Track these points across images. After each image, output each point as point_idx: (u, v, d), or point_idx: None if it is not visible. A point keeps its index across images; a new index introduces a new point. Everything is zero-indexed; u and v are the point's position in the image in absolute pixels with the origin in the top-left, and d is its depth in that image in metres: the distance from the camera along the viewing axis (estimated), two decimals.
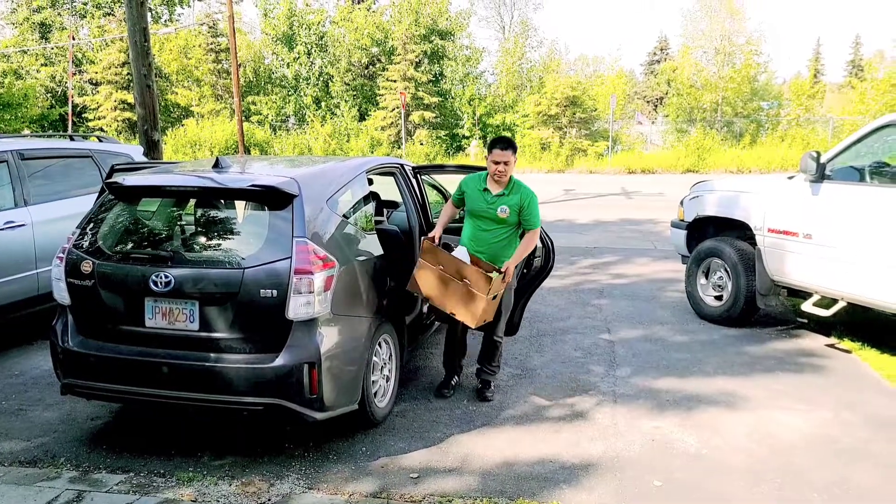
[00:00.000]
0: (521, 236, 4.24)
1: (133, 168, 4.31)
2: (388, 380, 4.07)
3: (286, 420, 3.68)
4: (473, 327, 3.97)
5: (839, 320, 5.43)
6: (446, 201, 6.19)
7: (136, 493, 3.20)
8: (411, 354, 4.60)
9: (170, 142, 25.46)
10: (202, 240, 3.64)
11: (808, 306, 5.28)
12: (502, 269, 3.96)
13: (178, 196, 3.76)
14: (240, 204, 3.72)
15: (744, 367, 4.83)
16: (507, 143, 4.09)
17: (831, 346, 5.29)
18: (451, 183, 6.24)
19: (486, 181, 4.14)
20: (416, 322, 4.65)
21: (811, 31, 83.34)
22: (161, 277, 3.29)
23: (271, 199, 3.41)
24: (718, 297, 5.95)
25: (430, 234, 4.15)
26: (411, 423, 3.98)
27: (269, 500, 3.15)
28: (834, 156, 5.15)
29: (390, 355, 4.10)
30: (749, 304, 5.64)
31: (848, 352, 5.15)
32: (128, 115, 27.55)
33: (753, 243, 5.62)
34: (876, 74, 25.19)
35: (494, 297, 3.97)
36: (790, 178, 5.51)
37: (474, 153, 25.55)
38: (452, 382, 4.48)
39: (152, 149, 9.19)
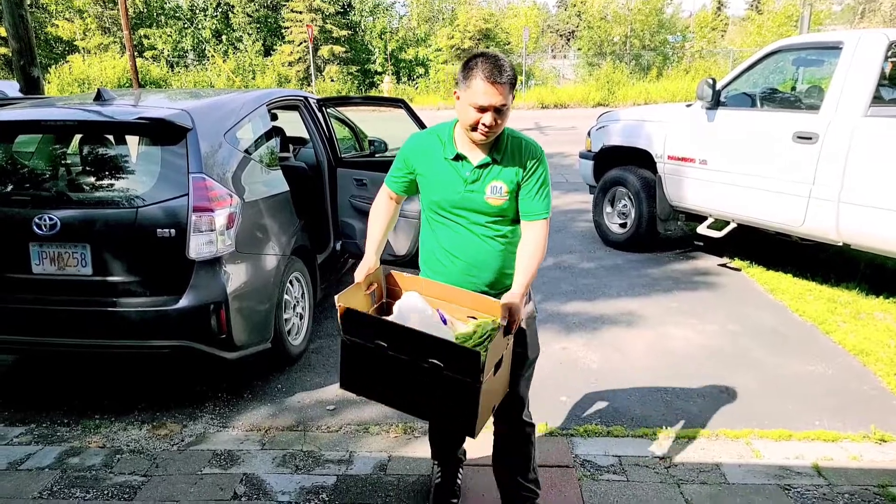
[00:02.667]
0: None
1: (7, 103, 3.95)
2: (301, 318, 4.04)
3: (197, 362, 3.61)
4: (474, 437, 2.06)
5: (731, 241, 5.80)
6: (355, 138, 6.05)
7: (38, 444, 3.08)
8: (326, 292, 4.57)
9: (54, 80, 23.40)
10: (90, 179, 3.41)
11: (702, 229, 5.61)
12: (503, 317, 2.02)
13: (59, 132, 3.49)
14: (132, 140, 3.50)
15: (644, 289, 5.11)
16: (499, 70, 2.01)
17: (723, 265, 5.67)
18: (363, 121, 6.10)
19: (454, 141, 2.18)
20: (329, 260, 4.61)
21: None
22: (45, 220, 3.08)
23: (162, 132, 3.22)
24: (623, 225, 6.21)
25: (361, 268, 2.26)
26: (327, 358, 4.00)
27: (183, 440, 3.12)
28: (728, 82, 5.38)
29: (303, 293, 4.06)
30: (650, 229, 5.93)
31: (738, 270, 5.54)
32: (2, 50, 25.01)
33: (655, 171, 5.86)
34: (773, 7, 26.25)
35: (497, 369, 2.06)
36: (688, 105, 5.73)
37: (387, 89, 24.99)
38: (458, 484, 2.66)
39: (32, 87, 8.41)
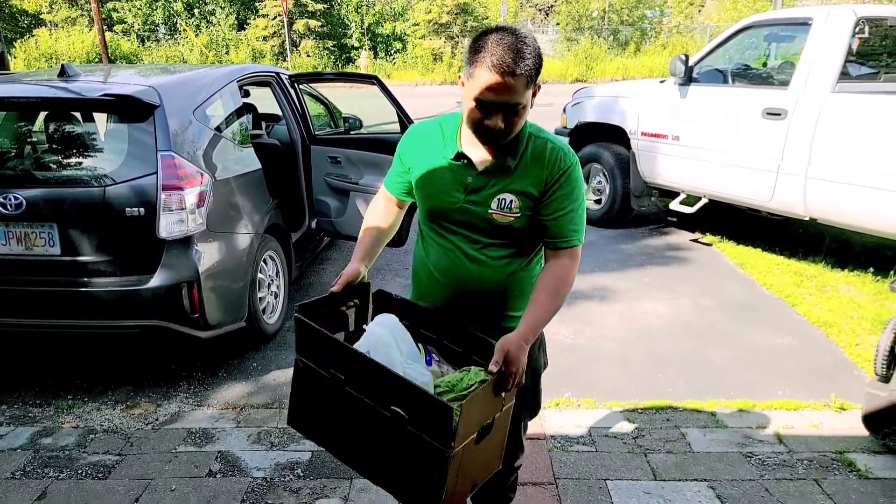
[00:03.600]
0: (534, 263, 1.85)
1: None
2: (276, 296, 4.03)
3: (170, 341, 3.60)
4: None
5: (702, 217, 5.88)
6: (330, 115, 5.99)
7: (10, 425, 3.06)
8: (301, 270, 4.56)
9: (20, 55, 22.74)
10: (56, 157, 3.35)
11: (675, 204, 5.68)
12: (496, 362, 1.53)
13: (22, 109, 3.41)
14: (99, 117, 3.44)
15: (617, 264, 5.18)
16: (514, 57, 1.51)
17: (695, 240, 5.75)
18: (340, 98, 6.02)
19: (458, 137, 1.75)
20: (304, 238, 4.59)
21: None
22: (10, 199, 3.02)
23: (129, 110, 3.16)
24: (598, 201, 6.26)
25: (341, 277, 1.77)
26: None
27: (157, 419, 3.12)
28: (701, 58, 5.41)
29: (277, 272, 4.05)
30: (624, 205, 5.99)
31: (709, 245, 5.63)
32: None
33: (629, 147, 5.90)
34: None
35: (484, 437, 1.57)
36: (662, 82, 5.76)
37: (364, 65, 24.68)
38: None
39: None
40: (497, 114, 1.54)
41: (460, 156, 1.70)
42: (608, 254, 5.44)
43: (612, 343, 3.86)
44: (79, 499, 2.55)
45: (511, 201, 1.66)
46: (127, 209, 3.04)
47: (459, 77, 1.63)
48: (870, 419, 2.77)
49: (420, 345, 1.72)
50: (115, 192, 3.05)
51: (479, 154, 1.69)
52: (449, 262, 1.76)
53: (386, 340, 1.61)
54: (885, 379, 2.69)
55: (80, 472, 2.72)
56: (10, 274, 3.14)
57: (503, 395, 1.54)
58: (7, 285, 3.13)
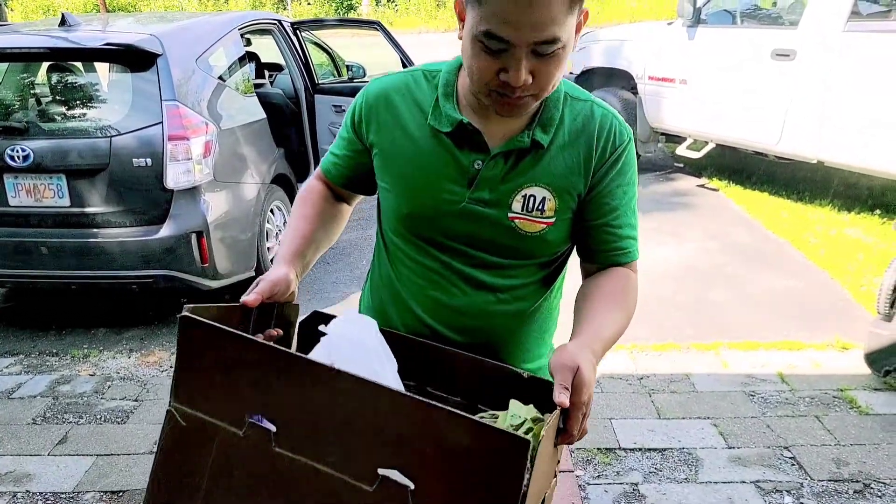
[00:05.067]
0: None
1: None
2: None
3: (180, 291, 3.65)
4: None
5: (709, 162, 5.85)
6: (333, 63, 5.91)
7: (29, 374, 3.15)
8: None
9: (17, 7, 22.34)
10: (61, 108, 3.34)
11: (682, 150, 5.64)
12: (563, 388, 0.89)
13: (24, 60, 3.39)
14: (100, 66, 3.41)
15: None
16: None
17: (702, 186, 5.73)
18: (342, 47, 5.93)
19: (455, 98, 1.11)
20: None
21: None
22: (18, 151, 3.03)
23: (132, 59, 3.13)
24: None
25: (260, 284, 1.06)
26: (311, 285, 4.06)
27: (171, 366, 3.19)
28: None
29: (285, 222, 4.07)
30: None
31: (715, 190, 5.60)
32: None
33: (636, 92, 5.81)
34: None
35: None
36: (669, 24, 5.63)
37: (366, 12, 24.15)
38: None
39: None
40: (521, 60, 0.93)
41: (462, 128, 1.07)
42: None
43: None
44: (99, 443, 2.63)
45: (543, 200, 1.09)
46: (134, 160, 3.04)
47: (457, 4, 1.01)
48: (871, 357, 2.81)
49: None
50: (121, 143, 3.05)
51: (490, 125, 1.08)
52: (438, 293, 1.15)
53: (359, 340, 1.01)
54: (888, 318, 2.72)
55: (98, 417, 2.81)
56: (21, 226, 3.17)
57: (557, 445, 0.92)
58: (19, 237, 3.17)
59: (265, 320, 1.07)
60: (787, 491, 2.23)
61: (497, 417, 0.98)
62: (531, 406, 0.97)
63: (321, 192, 1.29)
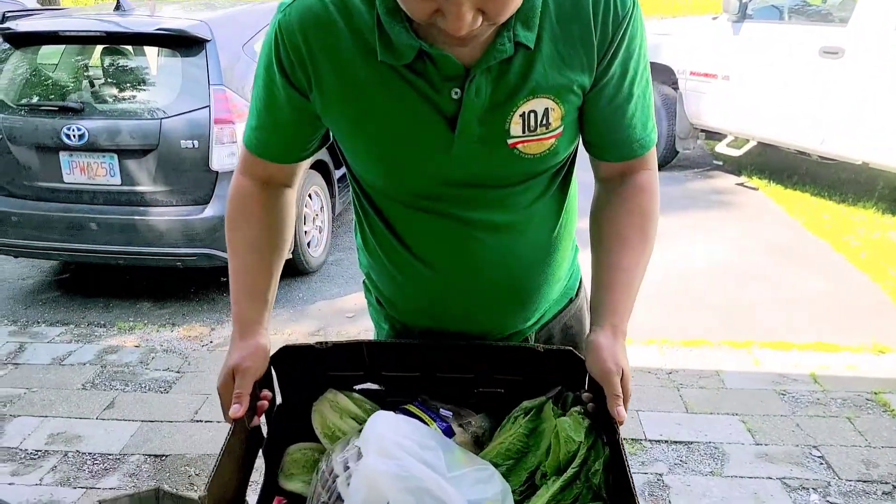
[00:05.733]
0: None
1: (25, 15, 3.97)
2: (320, 231, 4.16)
3: (221, 269, 3.77)
4: None
5: (749, 161, 5.76)
6: None
7: (78, 342, 3.30)
8: (344, 206, 4.67)
9: None
10: (114, 90, 3.48)
11: (721, 147, 5.57)
12: (615, 393, 0.91)
13: (79, 43, 3.53)
14: (150, 51, 3.54)
15: (660, 207, 5.13)
16: None
17: (741, 184, 5.65)
18: None
19: (401, 16, 0.82)
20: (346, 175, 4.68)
21: None
22: (74, 130, 3.18)
23: (182, 44, 3.25)
24: None
25: (238, 407, 0.95)
26: (346, 270, 4.15)
27: (212, 342, 3.32)
28: None
29: (321, 207, 4.16)
30: (669, 148, 5.88)
31: (755, 189, 5.52)
32: None
33: (676, 88, 5.75)
34: None
35: None
36: (714, 18, 5.55)
37: None
38: None
39: None
40: (461, 3, 0.73)
41: (423, 54, 0.85)
42: None
43: (651, 284, 3.84)
44: (143, 409, 2.76)
45: (546, 112, 0.90)
46: (182, 141, 3.16)
47: None
48: None
49: (414, 407, 1.01)
50: (170, 125, 3.17)
51: (456, 45, 0.83)
52: (449, 238, 0.98)
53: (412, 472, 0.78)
54: None
55: (143, 386, 2.94)
56: (74, 202, 3.32)
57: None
58: (72, 213, 3.32)
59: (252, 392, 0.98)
60: (813, 489, 2.23)
61: (535, 419, 0.95)
62: (583, 419, 0.91)
63: (259, 202, 1.04)
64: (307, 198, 3.90)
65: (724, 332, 3.31)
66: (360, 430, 0.90)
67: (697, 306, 3.60)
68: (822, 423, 2.58)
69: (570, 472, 0.85)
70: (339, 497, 0.84)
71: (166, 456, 2.48)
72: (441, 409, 1.01)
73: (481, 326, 1.06)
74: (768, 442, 2.47)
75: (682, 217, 4.91)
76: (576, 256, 1.19)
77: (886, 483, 2.26)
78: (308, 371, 1.06)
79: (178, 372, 3.04)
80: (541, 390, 0.99)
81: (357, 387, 1.07)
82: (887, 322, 3.38)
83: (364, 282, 1.21)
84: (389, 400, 1.05)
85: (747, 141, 5.36)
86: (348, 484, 0.83)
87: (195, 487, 2.29)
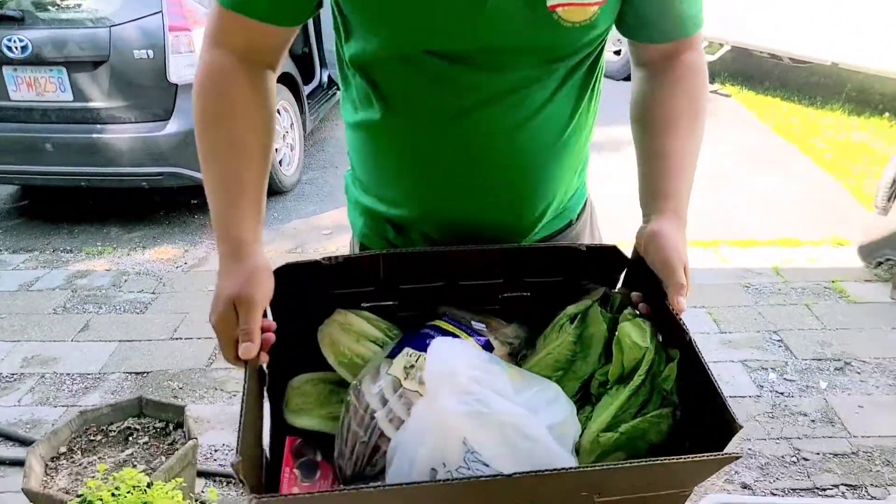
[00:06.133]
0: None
1: None
2: (292, 149, 4.06)
3: (189, 189, 3.69)
4: None
5: (723, 67, 5.71)
6: None
7: (45, 268, 3.24)
8: (315, 124, 4.56)
9: None
10: None
11: None
12: (680, 287, 0.81)
13: None
14: None
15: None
16: None
17: (714, 91, 5.62)
18: None
19: None
20: (317, 91, 4.54)
21: None
22: (15, 42, 3.00)
23: None
24: (617, 52, 6.05)
25: (248, 344, 0.76)
26: (321, 188, 4.09)
27: (186, 262, 3.28)
28: None
29: (291, 123, 4.05)
30: None
31: (727, 96, 5.51)
32: None
33: None
34: None
35: None
36: None
37: None
38: None
39: None
40: None
41: None
42: (624, 105, 5.32)
43: (627, 191, 3.91)
44: (120, 330, 2.75)
45: None
46: (135, 52, 3.01)
47: None
48: (864, 249, 2.88)
49: (445, 323, 0.89)
50: (120, 34, 3.00)
51: None
52: (448, 107, 0.85)
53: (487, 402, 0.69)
54: (884, 211, 2.75)
55: (118, 307, 2.91)
56: (25, 121, 3.18)
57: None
58: (23, 133, 3.18)
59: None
60: (772, 369, 2.36)
61: (579, 324, 0.85)
62: (643, 322, 0.82)
63: (239, 85, 0.86)
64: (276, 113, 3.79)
65: (693, 233, 3.35)
66: (385, 355, 0.82)
67: None
68: (782, 311, 2.69)
69: (636, 379, 0.77)
70: (382, 434, 0.75)
71: (148, 373, 2.48)
72: (473, 323, 0.89)
73: (479, 217, 0.93)
74: (732, 330, 2.58)
75: None
76: (584, 180, 1.10)
77: (839, 360, 2.40)
78: (307, 291, 0.90)
79: (153, 293, 3.01)
80: (572, 293, 0.89)
81: (365, 304, 0.93)
82: (847, 217, 3.47)
83: (352, 197, 1.06)
84: (400, 315, 0.93)
85: (721, 46, 5.30)
86: (389, 420, 0.75)
87: (179, 400, 2.31)
